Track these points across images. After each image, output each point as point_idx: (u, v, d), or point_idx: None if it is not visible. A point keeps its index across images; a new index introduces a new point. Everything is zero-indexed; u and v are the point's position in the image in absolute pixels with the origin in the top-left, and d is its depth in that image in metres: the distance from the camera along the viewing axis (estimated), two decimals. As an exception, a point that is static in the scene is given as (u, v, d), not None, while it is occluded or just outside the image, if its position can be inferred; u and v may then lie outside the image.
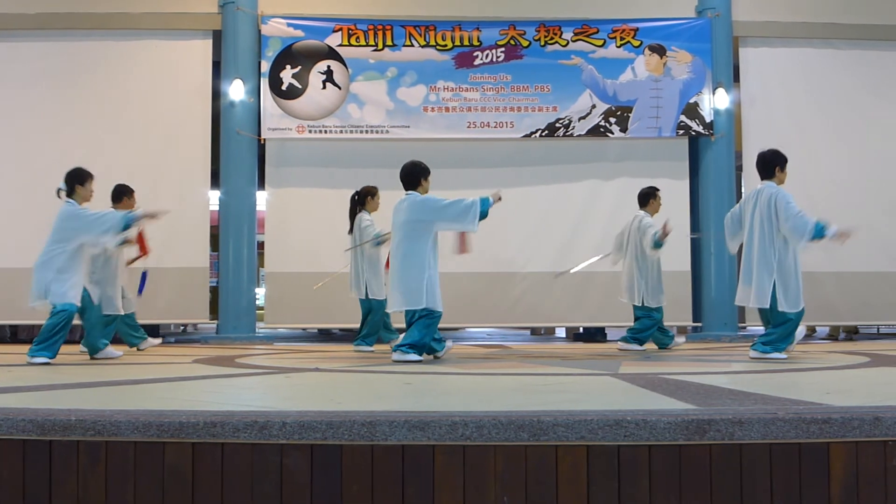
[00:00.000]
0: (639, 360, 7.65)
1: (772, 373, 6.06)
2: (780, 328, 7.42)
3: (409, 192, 7.60)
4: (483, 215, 7.33)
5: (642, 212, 9.67)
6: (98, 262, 8.67)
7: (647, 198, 9.77)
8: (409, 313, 7.45)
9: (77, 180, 7.88)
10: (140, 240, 9.00)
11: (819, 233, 7.29)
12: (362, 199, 9.70)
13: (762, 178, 7.76)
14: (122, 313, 9.03)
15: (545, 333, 16.58)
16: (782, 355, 7.38)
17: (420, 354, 7.32)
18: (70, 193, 7.87)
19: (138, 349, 9.50)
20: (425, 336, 7.36)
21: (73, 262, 7.63)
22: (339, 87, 12.54)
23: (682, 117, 12.59)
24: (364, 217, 9.63)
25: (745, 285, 7.60)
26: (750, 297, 7.51)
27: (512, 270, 12.52)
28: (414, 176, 7.63)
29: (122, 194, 9.30)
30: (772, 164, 7.72)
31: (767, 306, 7.43)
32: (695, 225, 12.71)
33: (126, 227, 7.70)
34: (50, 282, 7.52)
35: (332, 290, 11.66)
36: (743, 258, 7.80)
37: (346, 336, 14.42)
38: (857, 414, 3.25)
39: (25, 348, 9.68)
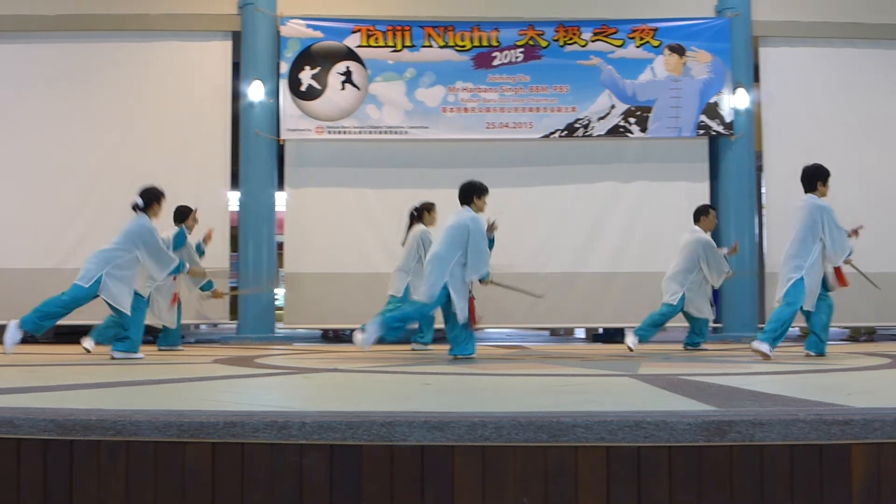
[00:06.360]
0: (659, 361, 7.63)
1: (792, 374, 6.03)
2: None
3: (464, 206, 8.17)
4: (481, 280, 8.01)
5: (697, 227, 9.78)
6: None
7: (699, 214, 9.87)
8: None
9: (155, 199, 8.36)
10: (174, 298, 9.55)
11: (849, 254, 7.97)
12: (420, 214, 9.86)
13: (805, 191, 8.06)
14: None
15: (564, 334, 16.54)
16: None
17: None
18: (145, 209, 8.27)
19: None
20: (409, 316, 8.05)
21: (136, 269, 8.17)
22: (358, 88, 12.56)
23: (702, 117, 12.54)
24: (426, 230, 9.82)
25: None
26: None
27: (531, 271, 12.48)
28: (468, 193, 8.20)
29: (185, 215, 9.82)
30: (814, 178, 8.05)
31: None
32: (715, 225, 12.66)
33: (177, 273, 8.58)
34: (105, 276, 7.94)
35: (352, 291, 11.69)
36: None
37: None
38: (879, 415, 3.23)
39: (45, 349, 9.74)
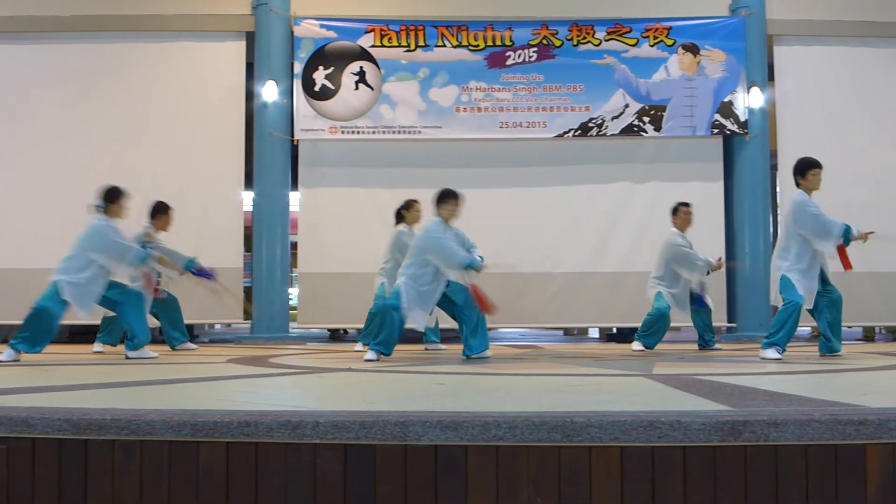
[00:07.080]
0: (673, 361, 7.61)
1: (807, 374, 6.01)
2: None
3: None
4: (469, 267, 7.92)
5: (673, 228, 9.69)
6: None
7: (672, 213, 9.78)
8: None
9: (109, 198, 8.07)
10: (148, 280, 8.84)
11: (846, 234, 7.53)
12: (400, 213, 9.87)
13: (797, 187, 7.91)
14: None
15: (578, 334, 16.53)
16: None
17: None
18: (105, 210, 8.05)
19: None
20: (385, 331, 7.82)
21: (93, 272, 7.86)
22: (372, 88, 12.57)
23: (717, 116, 12.50)
24: (402, 230, 9.75)
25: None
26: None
27: (544, 271, 12.49)
28: (435, 201, 8.27)
29: (159, 211, 9.52)
30: (795, 172, 7.89)
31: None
32: (729, 225, 12.63)
33: (142, 263, 8.14)
34: (64, 283, 7.74)
35: (365, 291, 11.69)
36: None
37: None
38: (894, 415, 3.21)
39: (60, 348, 9.77)
